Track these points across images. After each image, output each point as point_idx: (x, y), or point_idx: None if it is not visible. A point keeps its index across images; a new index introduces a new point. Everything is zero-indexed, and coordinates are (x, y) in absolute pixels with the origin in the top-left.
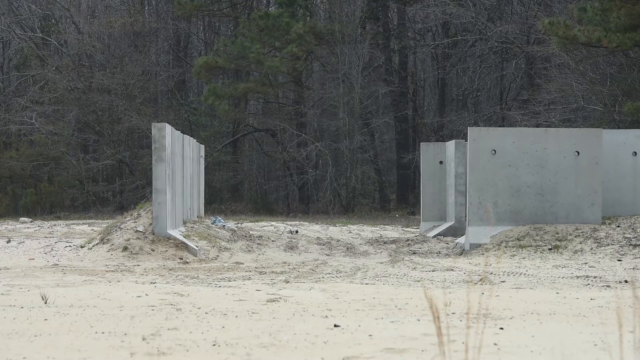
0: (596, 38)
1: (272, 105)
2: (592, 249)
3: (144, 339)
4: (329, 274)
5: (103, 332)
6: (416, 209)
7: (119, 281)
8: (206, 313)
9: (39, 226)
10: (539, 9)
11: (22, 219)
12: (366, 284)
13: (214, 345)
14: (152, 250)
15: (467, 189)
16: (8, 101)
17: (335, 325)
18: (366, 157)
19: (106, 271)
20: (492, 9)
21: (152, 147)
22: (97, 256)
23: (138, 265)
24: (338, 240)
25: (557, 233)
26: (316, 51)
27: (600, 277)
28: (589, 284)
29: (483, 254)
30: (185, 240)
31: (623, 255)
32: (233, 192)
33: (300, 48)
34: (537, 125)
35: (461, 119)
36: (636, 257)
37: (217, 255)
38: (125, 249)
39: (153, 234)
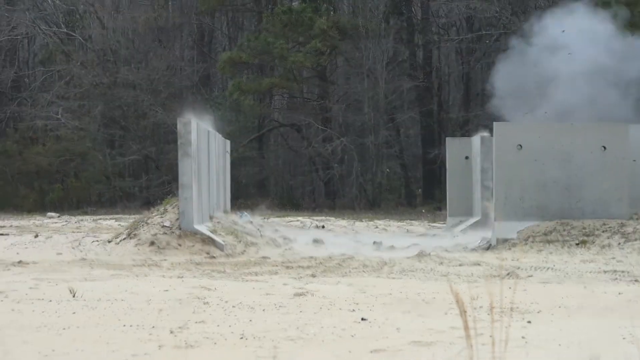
0: None
1: (296, 100)
2: (619, 243)
3: (171, 332)
4: (356, 268)
5: (131, 325)
6: (442, 204)
7: (146, 275)
8: (233, 307)
9: (66, 221)
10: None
11: (50, 214)
12: (393, 278)
13: (241, 338)
14: (179, 245)
15: (493, 184)
16: (34, 96)
17: (362, 319)
18: (392, 153)
19: (133, 265)
20: (516, 3)
21: (178, 143)
22: (124, 251)
23: (165, 259)
24: (364, 235)
25: (584, 228)
26: (340, 46)
27: (628, 272)
28: (616, 279)
29: (510, 248)
30: (211, 235)
31: None
32: (259, 187)
33: (324, 43)
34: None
35: (486, 113)
36: None
37: (244, 250)
38: (152, 243)
39: (180, 228)
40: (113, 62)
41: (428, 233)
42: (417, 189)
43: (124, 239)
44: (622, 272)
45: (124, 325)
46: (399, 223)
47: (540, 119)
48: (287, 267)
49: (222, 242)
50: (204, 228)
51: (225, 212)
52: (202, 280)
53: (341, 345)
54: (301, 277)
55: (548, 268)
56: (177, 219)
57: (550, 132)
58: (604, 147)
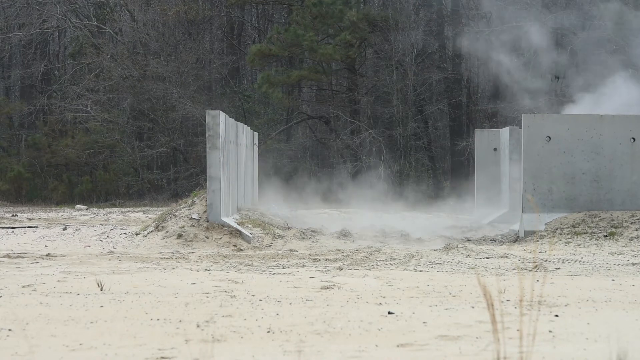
0: None
1: (325, 92)
2: None
3: (198, 326)
4: (383, 261)
5: (158, 319)
6: (470, 196)
7: (173, 268)
8: (260, 300)
9: (94, 214)
10: None
11: (78, 206)
12: (420, 271)
13: (268, 332)
14: (207, 237)
15: (522, 175)
16: (64, 89)
17: (389, 313)
18: (420, 144)
19: (161, 258)
20: None
21: (206, 135)
22: (152, 243)
23: (192, 252)
24: (392, 228)
25: (612, 220)
26: (370, 38)
27: None
28: None
29: (538, 241)
30: (239, 227)
31: None
32: (287, 179)
33: (354, 35)
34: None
35: (515, 105)
36: None
37: (271, 243)
38: (179, 236)
39: (207, 221)
40: (143, 55)
41: (456, 225)
42: (445, 180)
43: (152, 231)
44: None
45: (151, 319)
46: (427, 215)
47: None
48: (314, 260)
49: (250, 235)
50: (231, 220)
51: (252, 204)
52: (230, 274)
53: (368, 339)
54: (328, 270)
55: (576, 260)
56: (205, 212)
57: (579, 124)
58: (633, 139)
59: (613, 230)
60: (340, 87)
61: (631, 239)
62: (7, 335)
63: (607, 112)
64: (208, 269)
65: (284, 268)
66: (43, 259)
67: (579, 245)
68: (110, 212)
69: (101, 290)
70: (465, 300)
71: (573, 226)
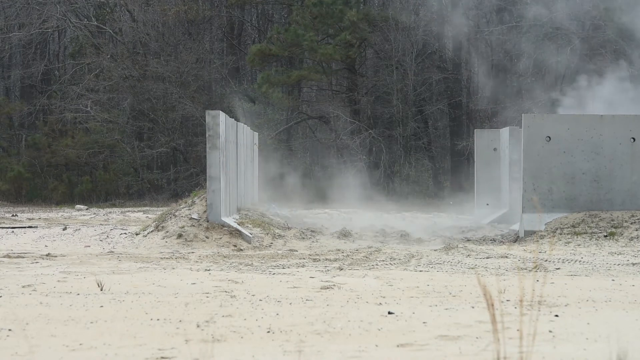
0: None
1: (325, 92)
2: None
3: (198, 326)
4: (383, 261)
5: (158, 319)
6: (470, 196)
7: (173, 268)
8: (260, 300)
9: (94, 214)
10: None
11: (78, 206)
12: (420, 271)
13: (268, 332)
14: (207, 237)
15: (522, 175)
16: (64, 89)
17: (389, 313)
18: (420, 144)
19: (161, 258)
20: None
21: (206, 135)
22: (152, 243)
23: (192, 252)
24: (392, 228)
25: (612, 220)
26: (370, 38)
27: None
28: None
29: (537, 241)
30: (239, 227)
31: None
32: (286, 179)
33: (354, 35)
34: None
35: (516, 105)
36: None
37: (271, 243)
38: (179, 236)
39: (207, 221)
40: (143, 54)
41: (456, 225)
42: (445, 180)
43: (152, 231)
44: None
45: (151, 319)
46: (427, 215)
47: None
48: (314, 260)
49: (250, 235)
50: (231, 220)
51: (252, 204)
52: (230, 274)
53: (368, 339)
54: (328, 270)
55: (576, 260)
56: (205, 212)
57: (579, 124)
58: (633, 139)
59: (613, 230)
60: (340, 87)
61: (631, 239)
62: (7, 335)
63: (606, 113)
64: (208, 269)
65: (284, 268)
66: (43, 259)
67: (579, 245)
68: (110, 212)
69: (101, 290)
70: (465, 300)
71: (573, 226)
